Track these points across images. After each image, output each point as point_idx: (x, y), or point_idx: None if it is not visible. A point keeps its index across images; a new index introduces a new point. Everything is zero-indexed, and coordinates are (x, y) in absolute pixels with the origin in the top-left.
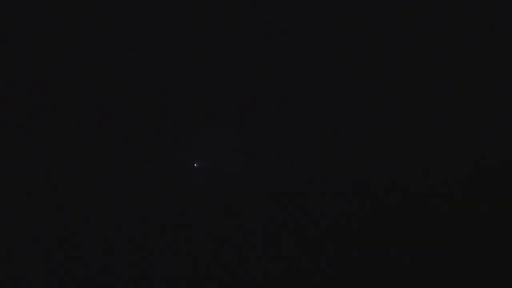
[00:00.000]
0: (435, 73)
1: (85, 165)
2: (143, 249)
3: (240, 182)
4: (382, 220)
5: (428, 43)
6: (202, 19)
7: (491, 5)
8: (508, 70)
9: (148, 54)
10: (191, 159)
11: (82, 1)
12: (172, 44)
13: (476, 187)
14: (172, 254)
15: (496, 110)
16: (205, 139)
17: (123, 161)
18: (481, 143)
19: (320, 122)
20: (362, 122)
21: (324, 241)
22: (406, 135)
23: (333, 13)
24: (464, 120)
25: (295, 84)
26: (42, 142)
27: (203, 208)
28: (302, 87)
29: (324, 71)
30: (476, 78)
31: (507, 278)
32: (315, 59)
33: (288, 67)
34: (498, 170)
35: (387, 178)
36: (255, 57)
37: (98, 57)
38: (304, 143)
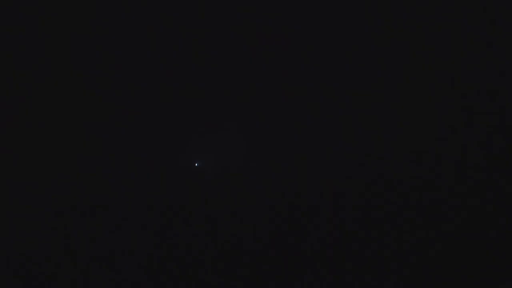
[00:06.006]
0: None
1: (86, 165)
2: (143, 249)
3: (241, 182)
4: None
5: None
6: (203, 19)
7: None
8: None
9: (148, 54)
10: (191, 159)
11: (82, 1)
12: (172, 44)
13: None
14: (172, 254)
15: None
16: (206, 139)
17: (123, 161)
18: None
19: (321, 123)
20: (363, 123)
21: (325, 241)
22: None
23: (333, 15)
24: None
25: (297, 85)
26: (43, 142)
27: (204, 208)
28: (303, 87)
29: (325, 72)
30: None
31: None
32: (317, 60)
33: (289, 68)
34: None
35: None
36: (256, 57)
37: (101, 58)
38: (303, 144)
